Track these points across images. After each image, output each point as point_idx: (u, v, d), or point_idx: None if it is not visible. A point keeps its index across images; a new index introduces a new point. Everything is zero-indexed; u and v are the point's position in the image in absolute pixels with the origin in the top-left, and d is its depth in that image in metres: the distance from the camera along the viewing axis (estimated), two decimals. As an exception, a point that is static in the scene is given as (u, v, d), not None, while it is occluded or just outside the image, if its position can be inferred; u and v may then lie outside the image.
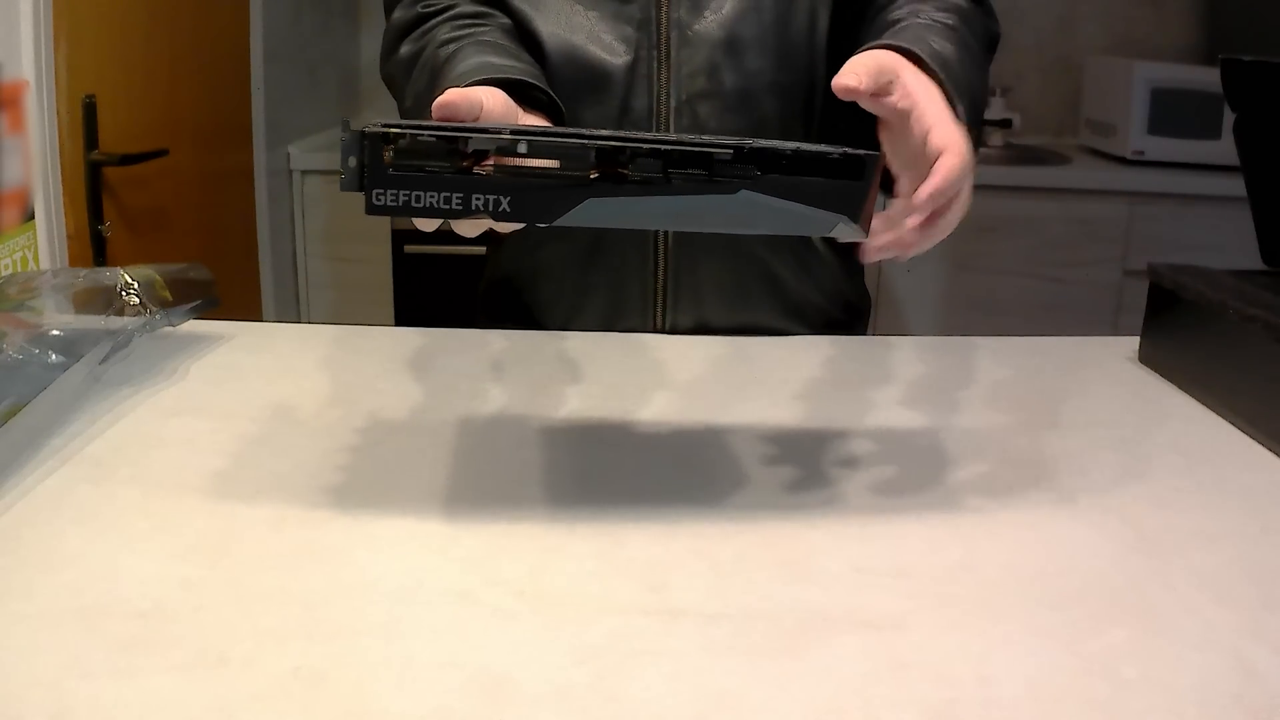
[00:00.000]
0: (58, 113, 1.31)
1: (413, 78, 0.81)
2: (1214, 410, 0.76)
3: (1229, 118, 0.84)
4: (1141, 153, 2.18)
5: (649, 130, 0.86)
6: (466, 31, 0.80)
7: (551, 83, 0.78)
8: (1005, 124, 2.35)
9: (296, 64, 2.15)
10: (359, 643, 0.47)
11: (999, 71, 2.43)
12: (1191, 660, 0.47)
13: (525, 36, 0.85)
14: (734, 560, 0.55)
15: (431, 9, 0.84)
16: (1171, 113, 2.16)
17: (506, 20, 0.85)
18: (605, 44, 0.85)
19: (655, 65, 0.85)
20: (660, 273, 0.91)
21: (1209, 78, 1.93)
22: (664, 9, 0.85)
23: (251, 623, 0.48)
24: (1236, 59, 0.82)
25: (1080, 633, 0.49)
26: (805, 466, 0.66)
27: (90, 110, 1.39)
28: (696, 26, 0.85)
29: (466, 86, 0.67)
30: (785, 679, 0.45)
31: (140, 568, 0.53)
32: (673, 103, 0.86)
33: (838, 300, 0.98)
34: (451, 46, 0.78)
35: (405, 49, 0.84)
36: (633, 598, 0.51)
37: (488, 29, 0.82)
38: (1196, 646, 0.48)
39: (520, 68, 0.74)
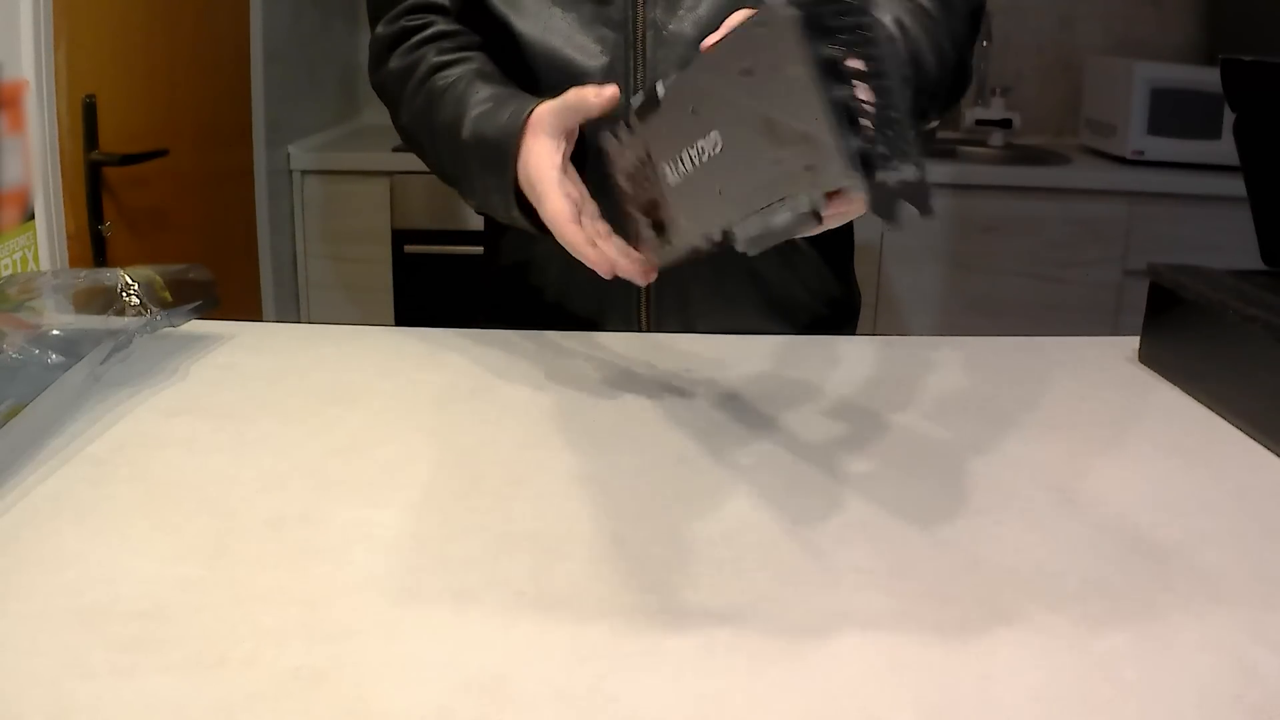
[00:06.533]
0: (58, 113, 1.31)
1: (406, 94, 0.86)
2: (1214, 410, 0.76)
3: (1229, 118, 0.84)
4: (1141, 153, 2.18)
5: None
6: (458, 56, 0.85)
7: (532, 83, 0.84)
8: (1005, 124, 2.35)
9: (296, 64, 2.15)
10: (359, 643, 0.47)
11: (999, 71, 2.45)
12: (1192, 661, 0.47)
13: (504, 39, 0.88)
14: (734, 560, 0.55)
15: (414, 24, 0.88)
16: (1171, 113, 2.16)
17: (478, 38, 0.89)
18: (581, 45, 0.86)
19: (631, 65, 0.86)
20: None
21: (1209, 78, 1.93)
22: (640, 9, 0.85)
23: (251, 623, 0.48)
24: (1236, 59, 0.82)
25: (1081, 633, 0.49)
26: (805, 466, 0.66)
27: (90, 110, 1.39)
28: (672, 26, 0.86)
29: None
30: (785, 679, 0.45)
31: (140, 568, 0.53)
32: None
33: (822, 297, 0.98)
34: (452, 73, 0.83)
35: (394, 63, 0.88)
36: (633, 598, 0.51)
37: (474, 56, 0.86)
38: (1197, 647, 0.48)
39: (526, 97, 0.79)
